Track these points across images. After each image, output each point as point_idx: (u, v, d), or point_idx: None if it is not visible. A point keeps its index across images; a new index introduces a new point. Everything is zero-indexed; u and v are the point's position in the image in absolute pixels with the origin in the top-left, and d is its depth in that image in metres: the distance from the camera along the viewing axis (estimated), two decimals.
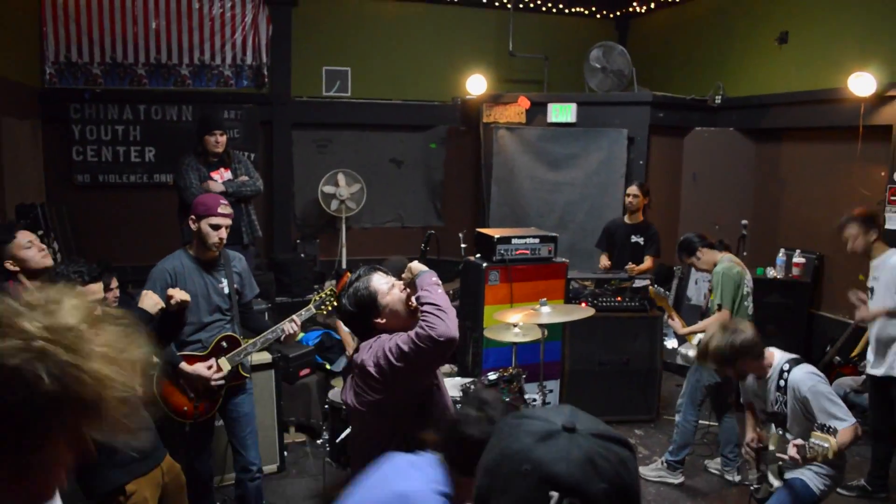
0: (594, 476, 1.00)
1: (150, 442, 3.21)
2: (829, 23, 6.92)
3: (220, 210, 3.80)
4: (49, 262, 3.60)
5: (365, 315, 2.62)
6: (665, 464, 5.14)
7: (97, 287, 3.11)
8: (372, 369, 2.44)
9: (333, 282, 4.29)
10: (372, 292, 2.61)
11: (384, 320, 2.61)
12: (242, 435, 4.01)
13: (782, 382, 3.48)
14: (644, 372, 6.07)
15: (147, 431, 3.21)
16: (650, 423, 6.08)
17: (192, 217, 3.79)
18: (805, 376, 3.42)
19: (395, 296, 2.63)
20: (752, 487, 3.71)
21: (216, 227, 3.79)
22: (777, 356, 3.58)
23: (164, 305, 3.22)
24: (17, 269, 3.50)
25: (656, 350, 6.10)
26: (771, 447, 3.57)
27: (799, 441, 3.20)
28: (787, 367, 3.49)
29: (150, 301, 3.31)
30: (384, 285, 2.64)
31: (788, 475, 3.50)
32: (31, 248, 3.52)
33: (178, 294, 3.19)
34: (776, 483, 3.54)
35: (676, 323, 5.34)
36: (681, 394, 5.22)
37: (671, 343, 7.13)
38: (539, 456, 1.03)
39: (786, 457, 3.25)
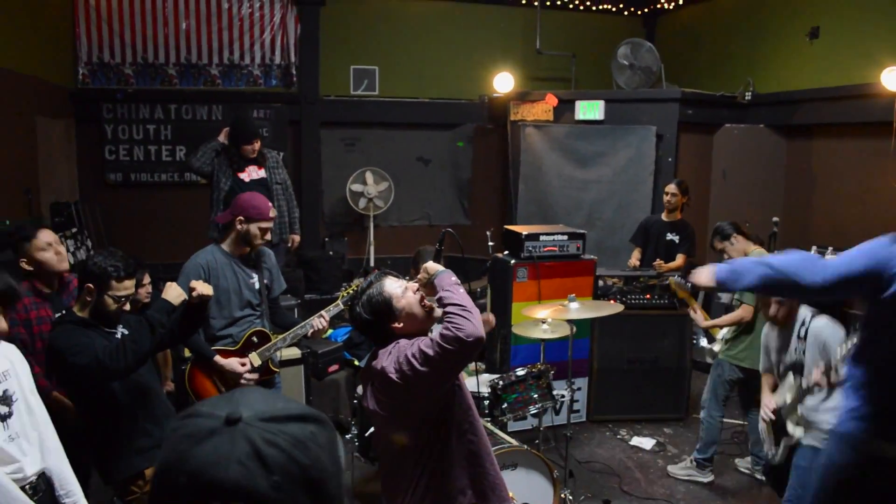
0: (260, 470, 0.87)
1: None
2: (860, 17, 6.82)
3: (270, 214, 3.86)
4: (65, 266, 3.63)
5: (381, 321, 2.56)
6: (694, 462, 5.10)
7: (130, 283, 3.13)
8: (394, 376, 2.38)
9: (361, 279, 4.30)
10: (386, 297, 2.55)
11: (401, 324, 2.55)
12: None
13: (804, 331, 3.59)
14: (673, 370, 6.03)
15: (169, 420, 3.28)
16: (679, 421, 6.03)
17: (241, 218, 3.82)
18: (826, 323, 3.56)
19: (409, 299, 2.57)
20: (771, 456, 3.80)
21: (264, 231, 3.85)
22: (803, 307, 3.69)
23: (186, 297, 3.25)
24: (30, 268, 3.55)
25: (685, 348, 6.05)
26: (788, 399, 3.64)
27: (822, 365, 3.22)
28: (809, 315, 3.62)
29: (174, 292, 3.34)
30: (398, 289, 2.58)
31: (803, 434, 3.58)
32: (48, 250, 3.55)
33: (201, 287, 3.21)
34: (796, 432, 3.60)
35: (699, 316, 5.31)
36: (705, 390, 5.19)
37: (703, 342, 7.06)
38: (195, 463, 0.87)
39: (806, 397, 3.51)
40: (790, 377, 3.69)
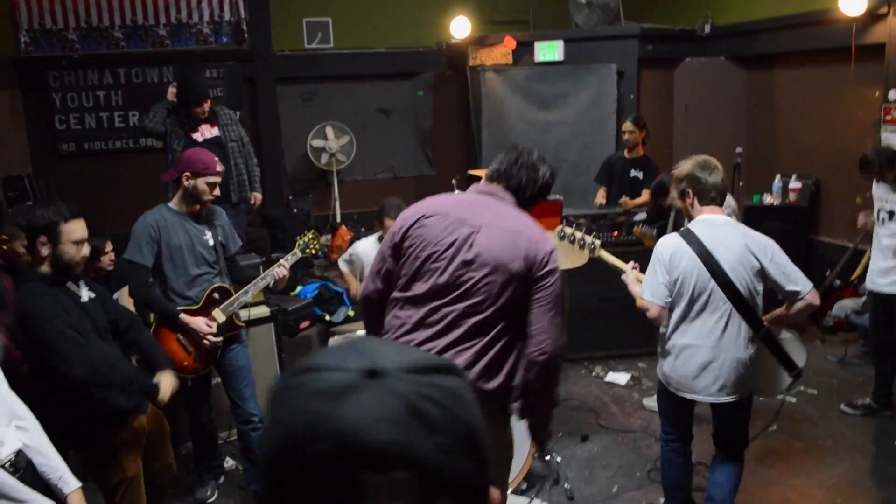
0: (423, 431, 0.72)
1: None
2: None
3: (217, 168, 3.76)
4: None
5: None
6: None
7: (80, 224, 3.02)
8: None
9: (314, 230, 4.29)
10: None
11: None
12: (240, 388, 3.99)
13: None
14: None
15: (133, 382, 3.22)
16: (652, 355, 6.05)
17: (188, 174, 3.71)
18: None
19: None
20: None
21: (212, 186, 3.75)
22: None
23: (170, 394, 3.27)
24: (22, 251, 3.36)
25: None
26: None
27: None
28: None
29: (166, 387, 3.26)
30: None
31: None
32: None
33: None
34: None
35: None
36: None
37: None
38: (338, 425, 0.71)
39: None
40: None
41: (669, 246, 3.30)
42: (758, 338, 3.26)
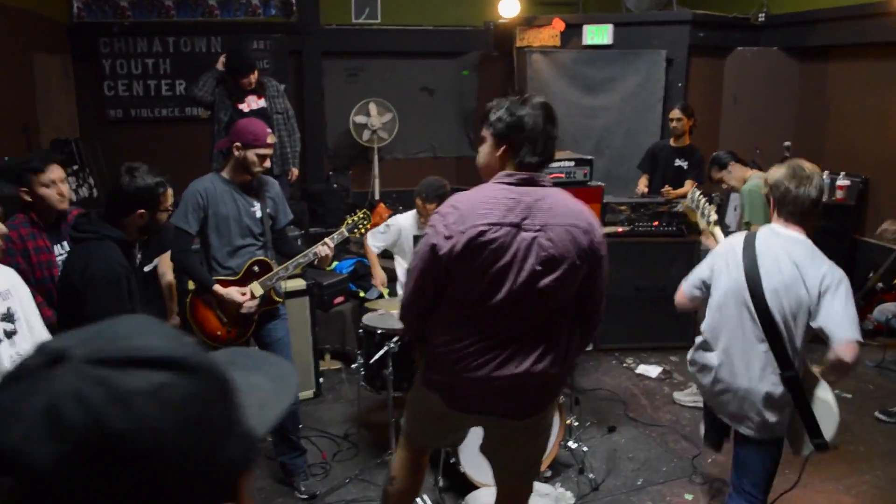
0: (46, 434, 0.64)
1: None
2: None
3: (268, 140, 3.77)
4: (65, 206, 3.60)
5: None
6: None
7: (171, 193, 3.25)
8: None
9: (365, 209, 4.24)
10: None
11: None
12: None
13: None
14: None
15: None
16: (685, 349, 6.00)
17: (238, 144, 3.74)
18: None
19: None
20: None
21: (262, 157, 3.76)
22: None
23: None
24: (30, 199, 3.52)
25: None
26: None
27: None
28: None
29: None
30: None
31: None
32: (51, 187, 3.52)
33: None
34: None
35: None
36: None
37: None
38: None
39: None
40: None
41: (725, 245, 3.12)
42: (783, 380, 2.86)
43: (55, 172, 3.54)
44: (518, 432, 2.74)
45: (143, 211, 3.07)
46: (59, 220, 3.65)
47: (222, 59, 5.95)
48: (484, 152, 2.66)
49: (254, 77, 5.86)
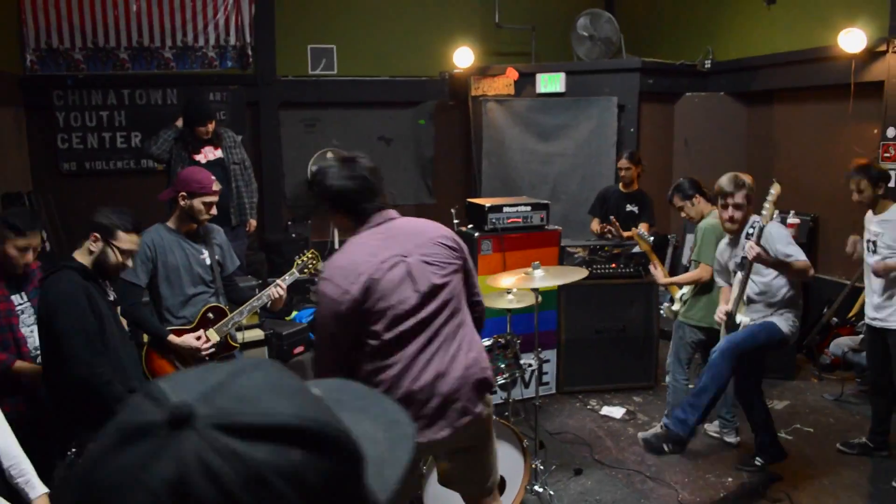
0: None
1: None
2: None
3: (214, 188, 3.77)
4: (21, 267, 3.47)
5: None
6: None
7: (136, 238, 3.29)
8: None
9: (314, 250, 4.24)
10: None
11: None
12: None
13: (751, 230, 4.26)
14: (641, 339, 6.04)
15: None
16: (648, 389, 6.05)
17: (184, 193, 3.73)
18: (777, 225, 4.35)
19: None
20: None
21: (209, 205, 3.76)
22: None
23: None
24: (12, 254, 3.41)
25: (652, 316, 6.06)
26: (736, 292, 4.33)
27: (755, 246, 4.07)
28: (757, 219, 4.26)
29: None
30: None
31: (759, 317, 4.34)
32: (24, 252, 3.41)
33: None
34: (743, 320, 4.29)
35: (658, 272, 5.31)
36: (668, 354, 5.20)
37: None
38: (102, 478, 0.59)
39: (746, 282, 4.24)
40: (738, 275, 4.33)
41: None
42: None
43: (34, 240, 3.45)
44: (471, 439, 2.88)
45: (96, 234, 3.18)
46: (25, 280, 3.56)
47: (181, 119, 5.95)
48: (336, 222, 2.93)
49: (211, 126, 5.85)
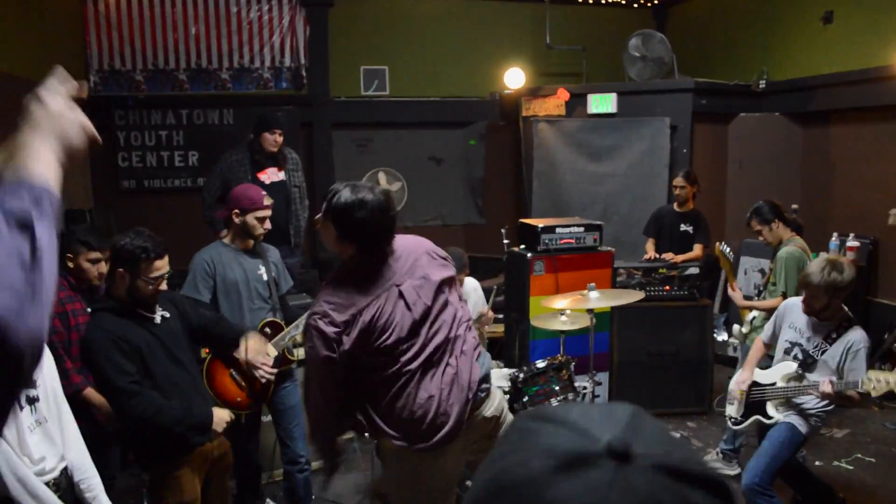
0: None
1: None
2: None
3: (265, 202, 3.84)
4: (96, 285, 3.72)
5: None
6: (720, 454, 5.02)
7: (162, 263, 3.10)
8: None
9: None
10: None
11: None
12: (290, 427, 4.01)
13: (835, 335, 3.76)
14: (694, 363, 5.94)
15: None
16: (702, 415, 5.95)
17: (237, 211, 3.81)
18: (863, 336, 3.76)
19: None
20: (731, 419, 4.20)
21: (261, 220, 3.83)
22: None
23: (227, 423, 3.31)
24: (71, 266, 3.64)
25: (707, 340, 5.97)
26: (779, 384, 3.91)
27: (833, 378, 3.63)
28: (846, 322, 3.79)
29: (220, 419, 3.30)
30: None
31: (783, 415, 3.88)
32: (95, 264, 3.68)
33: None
34: (776, 415, 3.89)
35: (737, 294, 5.17)
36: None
37: (721, 336, 6.95)
38: (554, 498, 0.62)
39: (800, 394, 3.79)
40: (790, 363, 3.90)
41: None
42: None
43: (104, 255, 3.63)
44: (479, 435, 2.93)
45: (121, 270, 3.06)
46: (93, 292, 3.73)
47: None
48: (341, 248, 2.79)
49: (279, 137, 5.83)
